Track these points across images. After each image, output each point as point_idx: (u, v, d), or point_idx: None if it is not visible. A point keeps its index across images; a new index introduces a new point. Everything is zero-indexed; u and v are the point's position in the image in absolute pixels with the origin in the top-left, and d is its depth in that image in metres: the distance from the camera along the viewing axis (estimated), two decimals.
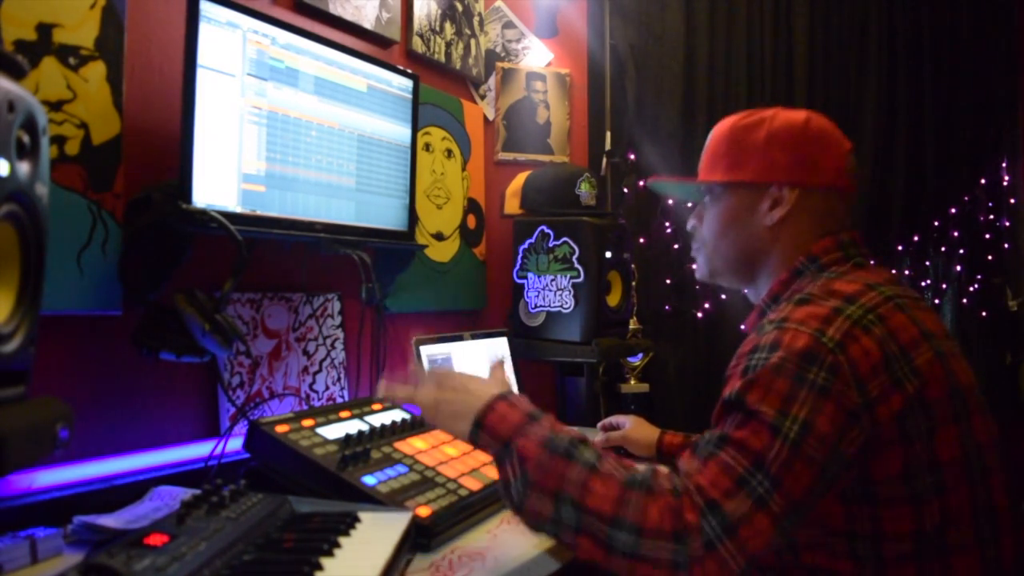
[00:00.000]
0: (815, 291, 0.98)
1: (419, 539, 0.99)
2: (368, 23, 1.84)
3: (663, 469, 0.89)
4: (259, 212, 1.35)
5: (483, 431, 0.93)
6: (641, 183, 2.69)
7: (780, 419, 0.85)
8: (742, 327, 1.17)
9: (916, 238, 2.97)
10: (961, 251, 3.04)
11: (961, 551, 0.90)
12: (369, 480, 1.08)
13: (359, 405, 1.36)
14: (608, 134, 2.65)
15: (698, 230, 1.20)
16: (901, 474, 0.89)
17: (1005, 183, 3.11)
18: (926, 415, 0.91)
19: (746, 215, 1.12)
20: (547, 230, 2.06)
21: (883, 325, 0.92)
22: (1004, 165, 3.11)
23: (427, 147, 2.04)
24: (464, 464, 1.25)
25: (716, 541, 0.79)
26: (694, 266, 1.24)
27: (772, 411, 0.85)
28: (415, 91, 1.71)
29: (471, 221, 2.23)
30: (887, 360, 0.90)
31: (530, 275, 2.09)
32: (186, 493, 1.15)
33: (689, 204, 1.31)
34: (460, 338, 1.82)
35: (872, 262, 1.08)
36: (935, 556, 0.89)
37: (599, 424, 1.66)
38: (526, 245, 2.10)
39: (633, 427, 1.57)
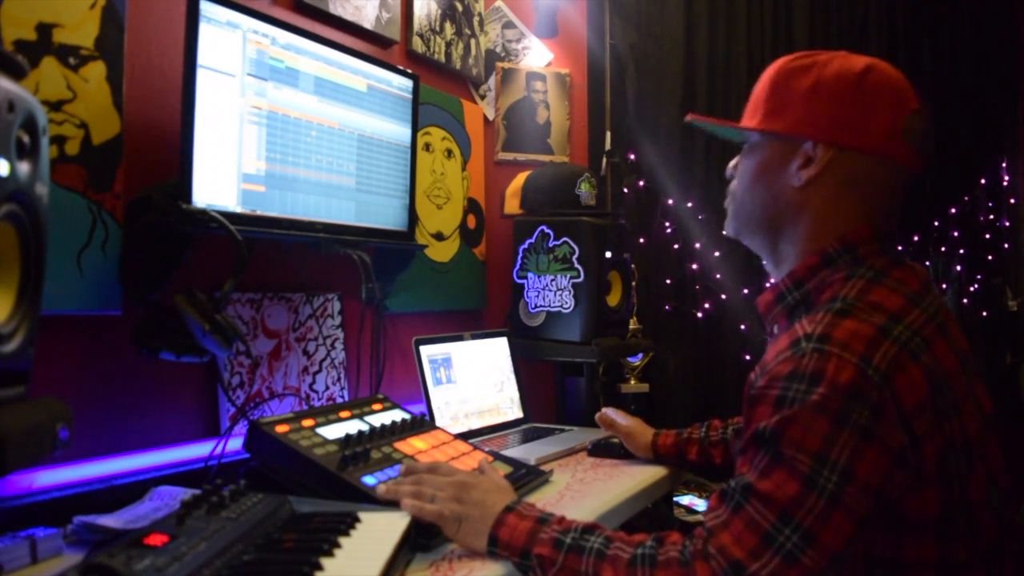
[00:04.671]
0: (855, 299, 0.89)
1: (419, 539, 0.99)
2: (368, 23, 1.84)
3: (674, 535, 0.88)
4: (259, 212, 1.35)
5: (499, 547, 0.94)
6: (641, 182, 2.69)
7: (817, 468, 0.80)
8: (758, 306, 1.10)
9: (916, 238, 2.97)
10: (961, 251, 3.04)
11: (972, 572, 0.87)
12: (369, 480, 1.08)
13: (359, 405, 1.36)
14: (608, 134, 2.65)
15: (734, 179, 1.09)
16: (937, 516, 0.85)
17: (1005, 183, 3.12)
18: (966, 455, 0.87)
19: (775, 171, 1.00)
20: (547, 230, 2.06)
21: (930, 352, 0.86)
22: (1004, 165, 3.11)
23: (427, 147, 2.04)
24: (464, 465, 1.25)
25: None
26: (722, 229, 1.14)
27: (808, 459, 0.80)
28: (415, 91, 1.71)
29: (471, 221, 2.23)
30: (933, 394, 0.84)
31: (530, 275, 2.09)
32: (186, 493, 1.15)
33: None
34: (460, 338, 1.82)
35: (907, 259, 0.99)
36: None
37: (597, 416, 1.60)
38: (526, 245, 2.10)
39: (632, 423, 1.55)
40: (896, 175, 0.98)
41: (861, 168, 0.96)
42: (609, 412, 1.60)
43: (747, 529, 0.81)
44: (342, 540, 0.87)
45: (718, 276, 2.71)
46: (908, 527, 0.85)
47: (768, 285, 1.06)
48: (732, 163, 1.10)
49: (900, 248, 2.92)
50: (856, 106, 0.95)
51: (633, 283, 2.20)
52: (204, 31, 1.23)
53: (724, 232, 1.13)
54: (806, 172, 0.97)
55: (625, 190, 2.67)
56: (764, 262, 1.10)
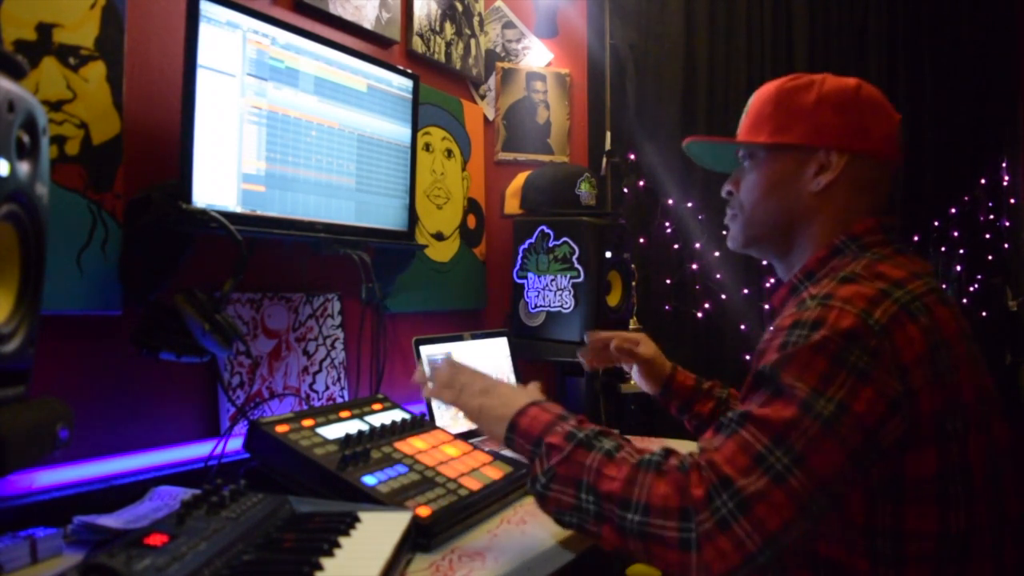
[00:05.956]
0: (860, 271, 0.94)
1: (419, 539, 0.99)
2: (368, 23, 1.84)
3: (678, 450, 0.88)
4: (259, 212, 1.35)
5: (516, 434, 0.96)
6: (641, 182, 2.69)
7: (814, 397, 0.82)
8: (772, 302, 1.14)
9: (916, 238, 2.97)
10: (961, 251, 3.04)
11: (978, 558, 0.88)
12: (369, 480, 1.08)
13: (359, 405, 1.36)
14: (608, 134, 2.65)
15: (734, 196, 1.14)
16: (934, 476, 0.87)
17: (1005, 183, 3.11)
18: (962, 417, 0.89)
19: (790, 180, 1.06)
20: (547, 230, 2.06)
21: (929, 315, 0.89)
22: (1004, 165, 3.11)
23: (427, 147, 2.04)
24: (464, 464, 1.25)
25: (730, 518, 0.77)
26: (725, 232, 1.17)
27: (807, 388, 0.83)
28: (415, 91, 1.71)
29: (471, 221, 2.23)
30: (931, 351, 0.87)
31: (530, 275, 2.09)
32: (186, 493, 1.15)
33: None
34: (460, 338, 1.82)
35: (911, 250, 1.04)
36: (954, 560, 0.87)
37: (613, 345, 1.45)
38: (526, 245, 2.10)
39: (651, 352, 1.44)
40: (893, 173, 1.08)
41: (867, 170, 1.04)
42: (624, 337, 1.46)
43: (740, 450, 0.82)
44: (342, 540, 0.87)
45: (718, 276, 2.71)
46: (908, 493, 0.87)
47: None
48: (729, 184, 1.15)
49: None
50: (859, 115, 1.04)
51: (633, 283, 2.20)
52: (204, 31, 1.23)
53: (730, 246, 1.17)
54: (824, 177, 1.04)
55: (625, 190, 2.67)
56: (777, 269, 1.14)
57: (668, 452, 0.87)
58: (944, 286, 3.06)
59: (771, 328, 0.94)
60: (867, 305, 0.87)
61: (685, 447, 1.67)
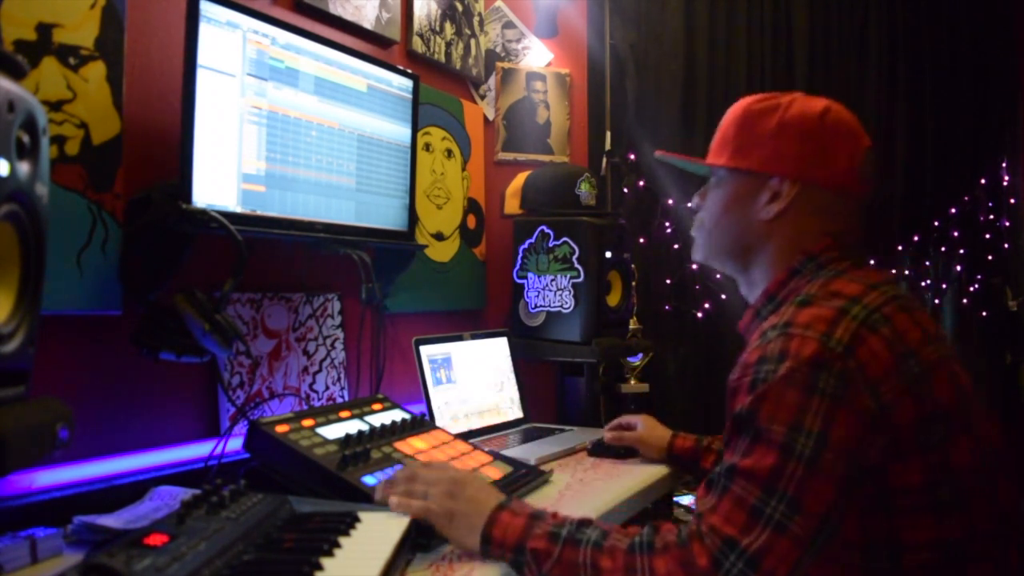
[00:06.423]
0: (816, 291, 0.95)
1: (419, 539, 0.99)
2: (368, 23, 1.84)
3: (667, 524, 0.89)
4: (259, 212, 1.35)
5: (492, 546, 0.93)
6: (641, 182, 2.69)
7: (792, 436, 0.83)
8: (739, 328, 1.16)
9: (916, 238, 2.97)
10: (961, 251, 3.04)
11: (978, 560, 0.88)
12: (369, 480, 1.08)
13: (359, 405, 1.36)
14: (608, 134, 2.65)
15: (701, 209, 1.16)
16: (922, 484, 0.87)
17: (1005, 183, 3.11)
18: (943, 421, 0.89)
19: (744, 205, 1.07)
20: (547, 230, 2.06)
21: (889, 325, 0.90)
22: (1004, 165, 3.11)
23: (427, 147, 2.04)
24: (464, 464, 1.25)
25: None
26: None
27: (783, 428, 0.84)
28: (415, 91, 1.71)
29: (471, 221, 2.23)
30: (897, 362, 0.88)
31: (530, 275, 2.09)
32: (186, 493, 1.15)
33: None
34: (460, 338, 1.82)
35: (871, 262, 1.05)
36: (953, 565, 0.87)
37: (608, 426, 1.62)
38: (526, 245, 2.10)
39: (646, 429, 1.55)
40: (852, 203, 1.06)
41: (823, 200, 1.04)
42: (619, 420, 1.60)
43: (735, 507, 0.83)
44: (342, 540, 0.87)
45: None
46: (900, 504, 0.87)
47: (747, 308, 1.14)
48: (697, 195, 1.17)
49: (901, 248, 2.93)
50: (819, 144, 1.03)
51: (633, 283, 2.20)
52: (204, 31, 1.23)
53: (692, 258, 1.20)
54: (775, 206, 1.05)
55: (625, 190, 2.67)
56: (739, 285, 1.17)
57: (656, 528, 0.88)
58: (944, 286, 3.06)
59: (738, 363, 0.94)
60: (827, 327, 0.88)
61: None
